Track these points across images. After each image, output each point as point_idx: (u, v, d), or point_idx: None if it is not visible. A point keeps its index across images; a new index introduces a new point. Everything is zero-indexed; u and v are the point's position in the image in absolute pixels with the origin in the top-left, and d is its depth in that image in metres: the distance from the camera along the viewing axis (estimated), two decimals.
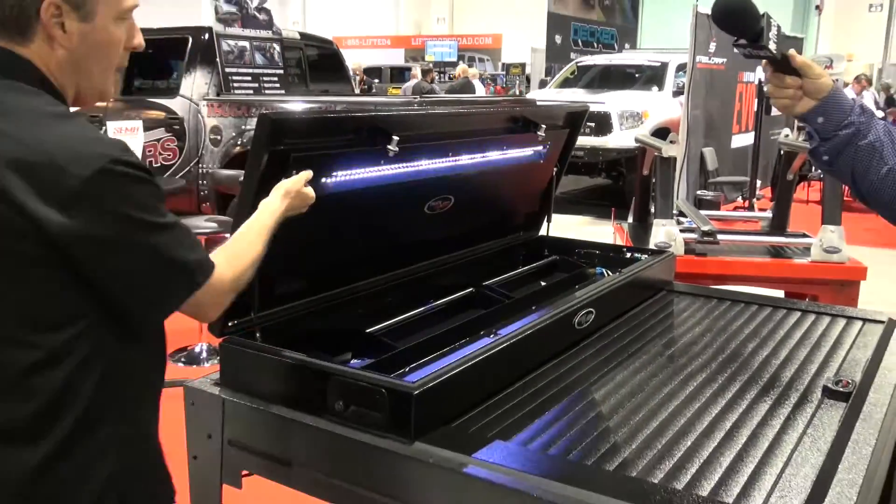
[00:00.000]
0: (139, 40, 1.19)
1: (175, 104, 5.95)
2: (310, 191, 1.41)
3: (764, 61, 1.39)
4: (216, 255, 1.20)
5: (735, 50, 1.44)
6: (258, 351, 1.44)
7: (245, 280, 1.24)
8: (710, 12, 1.42)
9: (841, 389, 1.49)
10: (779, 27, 1.39)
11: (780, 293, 3.15)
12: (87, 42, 1.10)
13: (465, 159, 1.92)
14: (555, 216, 2.44)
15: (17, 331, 1.03)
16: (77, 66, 1.12)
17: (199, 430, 1.48)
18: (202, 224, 4.36)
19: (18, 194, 0.98)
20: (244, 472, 1.45)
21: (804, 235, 3.35)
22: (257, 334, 1.51)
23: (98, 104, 6.64)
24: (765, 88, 1.47)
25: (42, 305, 1.03)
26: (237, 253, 1.25)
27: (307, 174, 1.42)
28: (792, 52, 1.38)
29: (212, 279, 1.14)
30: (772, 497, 1.14)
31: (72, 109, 1.16)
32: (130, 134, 4.51)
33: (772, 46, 1.35)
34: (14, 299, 1.03)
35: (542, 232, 2.48)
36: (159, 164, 5.90)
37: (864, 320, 1.96)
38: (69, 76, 1.13)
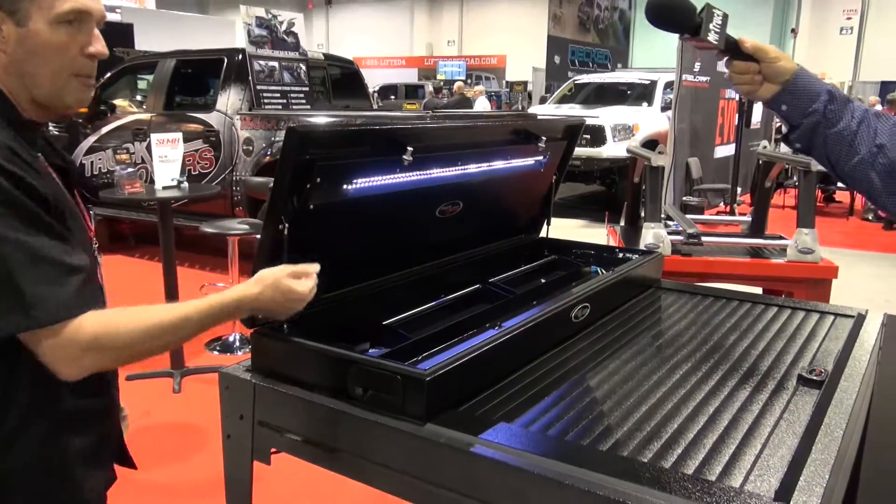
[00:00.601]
0: (97, 48, 1.11)
1: (212, 118, 5.98)
2: (300, 286, 1.24)
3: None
4: (105, 311, 1.05)
5: (685, 43, 1.41)
6: (285, 340, 1.44)
7: (122, 350, 1.05)
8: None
9: (814, 378, 1.48)
10: (724, 16, 1.28)
11: (758, 290, 3.13)
12: (24, 47, 1.04)
13: (473, 168, 1.92)
14: (554, 219, 2.44)
15: None
16: (20, 72, 1.06)
17: (233, 412, 1.48)
18: (235, 226, 4.38)
19: None
20: (273, 450, 1.46)
21: (780, 238, 3.34)
22: (284, 325, 1.51)
23: (132, 111, 6.61)
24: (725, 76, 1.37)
25: None
26: (128, 318, 1.05)
27: (302, 268, 1.27)
28: (742, 38, 1.28)
29: (61, 327, 0.98)
30: (751, 475, 1.13)
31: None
32: (171, 145, 4.51)
33: (712, 38, 1.25)
34: None
35: (543, 234, 2.48)
36: (197, 172, 5.93)
37: (836, 315, 1.94)
38: (16, 82, 1.07)
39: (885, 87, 18.50)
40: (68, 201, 1.13)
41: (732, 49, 1.28)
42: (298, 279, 1.24)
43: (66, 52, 1.07)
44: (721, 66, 5.52)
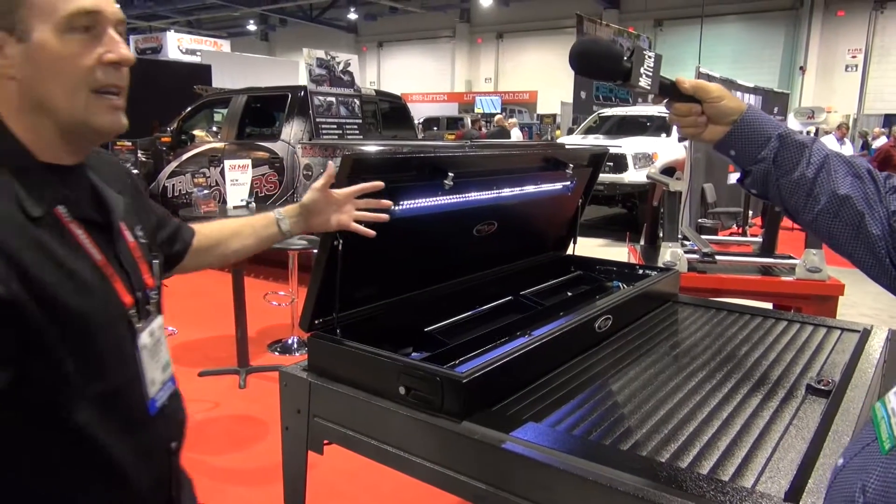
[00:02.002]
0: (119, 53, 0.86)
1: (277, 147, 6.09)
2: None
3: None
4: None
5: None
6: (338, 344, 1.45)
7: None
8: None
9: (822, 387, 1.43)
10: (657, 58, 1.06)
11: (769, 305, 3.05)
12: (33, 63, 0.82)
13: (507, 192, 1.91)
14: (579, 238, 2.42)
15: None
16: (37, 99, 0.84)
17: (291, 407, 1.49)
18: (296, 241, 4.43)
19: None
20: (325, 442, 1.46)
21: (790, 257, 3.25)
22: (337, 330, 1.52)
23: (209, 141, 6.71)
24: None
25: None
26: None
27: None
28: (679, 78, 1.06)
29: None
30: (762, 477, 1.09)
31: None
32: (242, 170, 4.61)
33: (643, 83, 1.05)
34: None
35: (569, 251, 2.46)
36: (263, 194, 6.04)
37: (843, 329, 1.88)
38: (35, 118, 0.85)
39: (888, 119, 17.99)
40: (78, 270, 0.85)
41: (670, 91, 1.07)
42: None
43: (79, 64, 0.83)
44: None
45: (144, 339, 0.96)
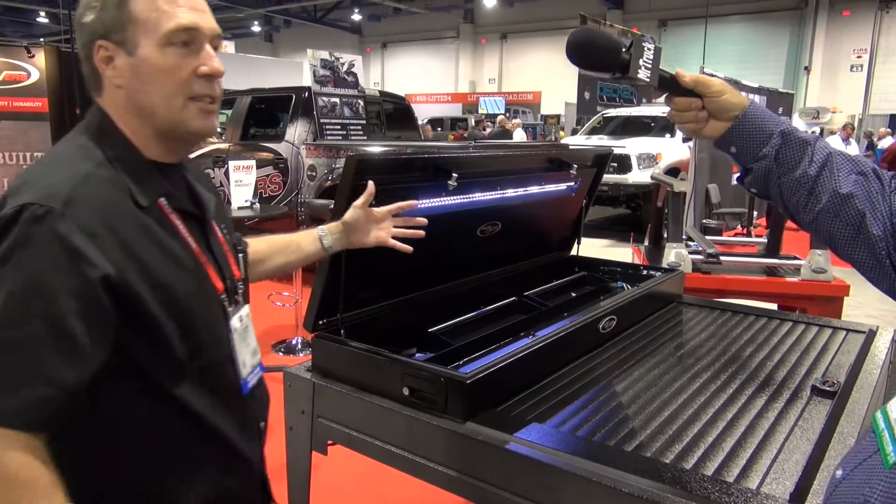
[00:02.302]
0: (211, 66, 0.94)
1: (281, 147, 6.09)
2: None
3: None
4: (37, 463, 0.80)
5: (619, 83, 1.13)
6: (342, 344, 1.45)
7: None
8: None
9: (827, 388, 1.43)
10: (656, 50, 1.02)
11: (773, 306, 3.04)
12: (138, 74, 0.91)
13: (511, 192, 1.91)
14: (583, 239, 2.42)
15: None
16: (138, 105, 0.93)
17: (295, 407, 1.49)
18: None
19: None
20: (329, 442, 1.47)
21: (795, 258, 3.24)
22: (341, 331, 1.52)
23: (213, 142, 6.74)
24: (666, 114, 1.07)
25: None
26: (42, 487, 0.80)
27: None
28: (679, 71, 1.03)
29: (6, 437, 0.78)
30: (767, 478, 1.09)
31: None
32: (246, 171, 4.62)
33: (643, 75, 1.01)
34: None
35: (573, 252, 2.45)
36: (268, 195, 6.04)
37: (848, 330, 1.87)
38: (137, 120, 0.94)
39: (893, 119, 17.91)
40: (180, 256, 0.95)
41: (670, 85, 1.03)
42: None
43: (177, 75, 0.92)
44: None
45: (235, 323, 1.05)
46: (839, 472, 0.76)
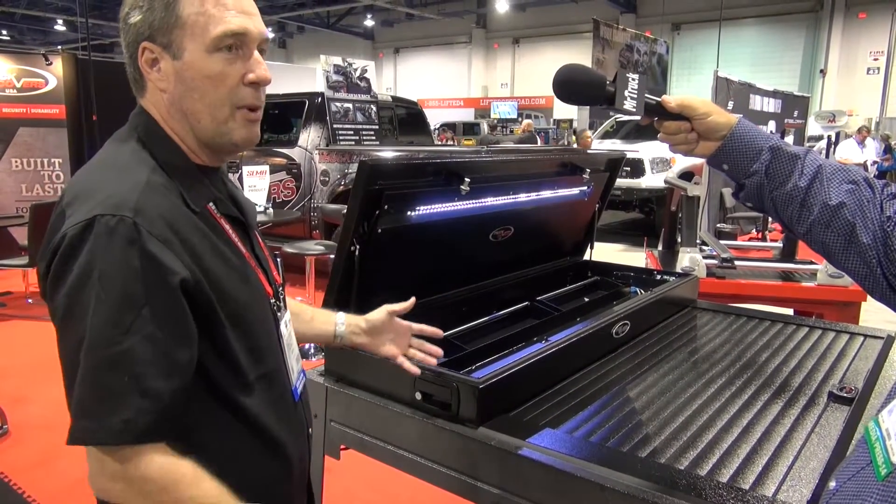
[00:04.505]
0: (258, 73, 0.91)
1: (294, 153, 6.14)
2: None
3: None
4: (171, 458, 0.81)
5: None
6: (355, 349, 1.46)
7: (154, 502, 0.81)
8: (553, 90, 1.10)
9: (845, 395, 1.41)
10: (641, 79, 1.07)
11: (789, 311, 3.01)
12: (182, 80, 0.88)
13: (523, 197, 1.91)
14: (596, 244, 2.41)
15: None
16: (182, 111, 0.90)
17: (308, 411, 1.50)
18: (312, 247, 4.46)
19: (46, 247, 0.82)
20: (342, 447, 1.47)
21: (811, 262, 3.20)
22: None
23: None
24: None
25: None
26: (183, 479, 0.82)
27: None
28: (665, 97, 1.07)
29: (119, 449, 0.78)
30: (783, 485, 1.08)
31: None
32: (260, 176, 4.66)
33: (628, 106, 1.05)
34: None
35: (586, 256, 2.45)
36: (281, 200, 6.08)
37: (866, 336, 1.85)
38: (181, 124, 0.91)
39: None
40: (234, 261, 0.93)
41: (657, 112, 1.08)
42: None
43: (224, 82, 0.89)
44: (753, 104, 5.35)
45: (283, 329, 1.04)
46: (832, 484, 0.75)
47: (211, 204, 0.94)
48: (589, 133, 11.14)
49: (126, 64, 0.91)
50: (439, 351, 1.33)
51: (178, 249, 0.83)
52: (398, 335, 1.30)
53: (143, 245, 0.79)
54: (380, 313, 1.28)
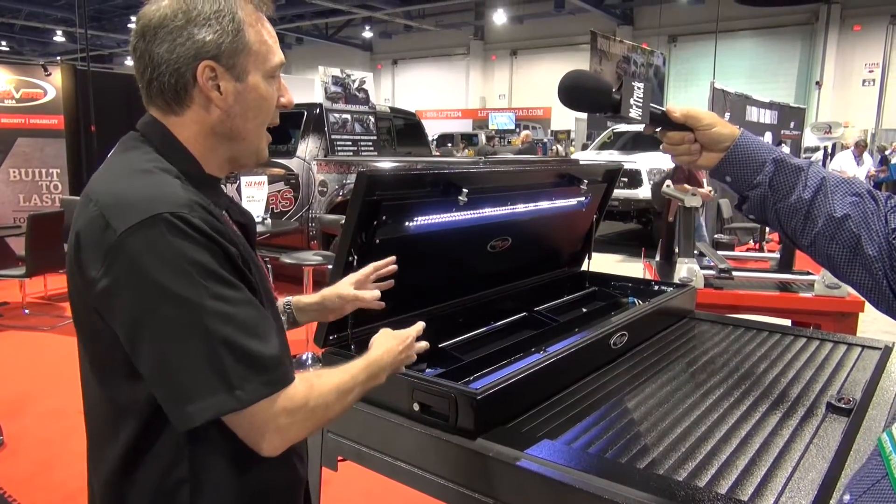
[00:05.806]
0: (289, 98, 1.02)
1: (292, 163, 6.15)
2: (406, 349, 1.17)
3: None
4: (299, 374, 0.92)
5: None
6: (353, 359, 1.45)
7: (323, 413, 0.93)
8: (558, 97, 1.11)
9: (843, 406, 1.41)
10: (646, 88, 1.07)
11: (787, 322, 3.01)
12: (241, 101, 0.94)
13: (521, 207, 1.91)
14: (594, 254, 2.41)
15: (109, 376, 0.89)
16: (231, 128, 0.95)
17: None
18: (311, 257, 4.46)
19: (81, 254, 0.84)
20: (339, 458, 1.46)
21: (808, 273, 3.21)
22: (352, 346, 1.52)
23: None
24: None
25: (112, 358, 0.87)
26: (320, 380, 0.95)
27: (417, 328, 1.21)
28: (670, 107, 1.07)
29: (275, 398, 0.85)
30: (782, 497, 1.07)
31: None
32: (258, 186, 4.66)
33: (634, 114, 1.05)
34: (91, 350, 0.92)
35: (584, 267, 2.45)
36: (279, 210, 6.09)
37: (863, 346, 1.85)
38: (216, 140, 0.96)
39: None
40: (254, 258, 0.99)
41: (662, 121, 1.07)
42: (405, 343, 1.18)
43: (271, 105, 0.99)
44: (750, 116, 5.38)
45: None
46: (847, 497, 0.74)
47: (225, 211, 1.00)
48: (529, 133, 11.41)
49: (168, 74, 0.91)
50: (391, 257, 1.41)
51: (231, 241, 0.89)
52: (356, 301, 1.37)
53: (205, 230, 0.84)
54: (332, 290, 1.36)
